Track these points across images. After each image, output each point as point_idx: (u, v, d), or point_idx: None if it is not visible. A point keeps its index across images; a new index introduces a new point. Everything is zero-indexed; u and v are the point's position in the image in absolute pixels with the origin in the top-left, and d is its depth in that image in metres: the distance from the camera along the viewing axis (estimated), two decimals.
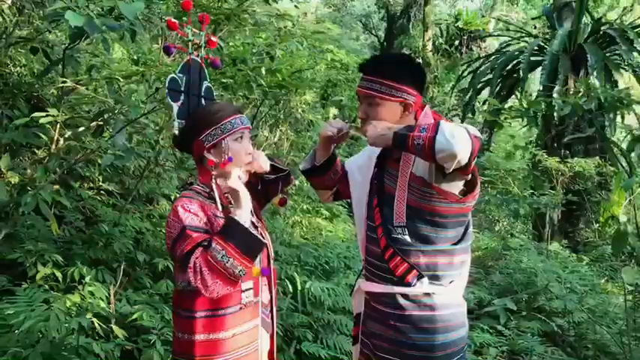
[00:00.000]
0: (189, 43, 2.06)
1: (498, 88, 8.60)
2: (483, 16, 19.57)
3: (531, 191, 7.21)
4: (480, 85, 8.79)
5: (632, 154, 2.99)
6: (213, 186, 1.93)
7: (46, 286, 3.37)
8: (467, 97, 8.89)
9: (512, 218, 7.66)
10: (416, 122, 2.02)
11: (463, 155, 1.72)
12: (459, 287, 2.02)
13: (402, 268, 1.95)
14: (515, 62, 8.71)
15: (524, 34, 9.34)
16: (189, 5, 2.07)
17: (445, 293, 1.97)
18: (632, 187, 3.09)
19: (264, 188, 2.16)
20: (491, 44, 18.09)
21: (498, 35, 11.57)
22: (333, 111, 9.44)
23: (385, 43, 18.63)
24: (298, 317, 3.96)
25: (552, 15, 8.81)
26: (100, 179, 4.83)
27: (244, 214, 1.83)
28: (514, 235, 6.55)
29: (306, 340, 3.77)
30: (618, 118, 7.84)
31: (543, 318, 4.18)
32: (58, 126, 3.57)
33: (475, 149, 1.76)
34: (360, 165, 2.25)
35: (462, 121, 9.07)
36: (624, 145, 8.10)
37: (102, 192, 4.81)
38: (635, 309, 3.24)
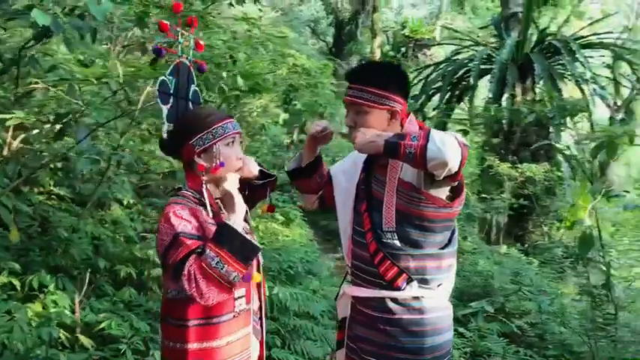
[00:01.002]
0: (179, 46, 2.02)
1: (448, 95, 8.81)
2: (429, 25, 20.00)
3: (481, 195, 7.41)
4: (431, 92, 8.98)
5: (595, 160, 3.13)
6: (204, 191, 1.90)
7: (5, 296, 3.24)
8: (418, 103, 9.05)
9: (464, 222, 7.85)
10: (401, 129, 2.05)
11: (454, 163, 1.76)
12: (447, 290, 2.07)
13: (391, 273, 1.97)
14: (464, 70, 8.95)
15: (473, 43, 9.59)
16: (180, 7, 2.03)
17: (433, 297, 2.01)
18: (594, 193, 3.24)
19: (252, 194, 2.15)
20: (437, 52, 18.53)
21: (446, 43, 11.82)
22: (284, 116, 9.45)
23: (334, 49, 18.76)
24: (267, 323, 3.94)
25: (500, 25, 9.08)
26: (52, 183, 4.67)
27: (238, 220, 1.81)
28: (467, 238, 6.70)
29: (275, 347, 3.75)
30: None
31: (502, 319, 4.30)
32: (11, 129, 3.44)
33: (464, 157, 1.81)
34: (344, 170, 2.26)
35: None
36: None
37: (53, 197, 4.65)
38: (595, 308, 3.38)
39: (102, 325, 3.11)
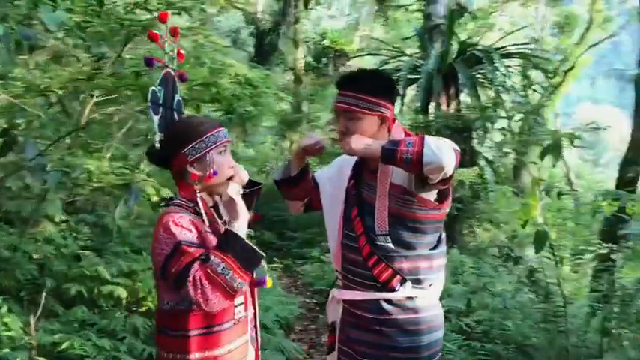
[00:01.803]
0: (166, 56, 2.01)
1: None
2: (348, 36, 20.40)
3: None
4: None
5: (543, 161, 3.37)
6: (198, 201, 1.90)
7: None
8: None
9: None
10: (389, 133, 2.13)
11: (449, 168, 1.87)
12: (438, 289, 2.16)
13: (386, 274, 2.04)
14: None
15: (399, 54, 9.91)
16: (166, 17, 2.03)
17: (426, 296, 2.10)
18: (539, 193, 3.47)
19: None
20: (357, 62, 18.90)
21: (374, 54, 12.12)
22: None
23: (256, 59, 18.75)
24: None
25: (424, 36, 9.44)
26: None
27: (241, 227, 1.82)
28: None
29: None
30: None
31: (449, 317, 4.47)
32: None
33: (458, 161, 1.92)
34: (330, 177, 2.33)
35: None
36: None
37: None
38: (544, 301, 3.60)
39: (64, 346, 3.00)
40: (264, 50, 18.55)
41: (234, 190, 1.87)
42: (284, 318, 5.19)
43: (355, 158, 2.24)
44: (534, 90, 9.29)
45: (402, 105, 8.56)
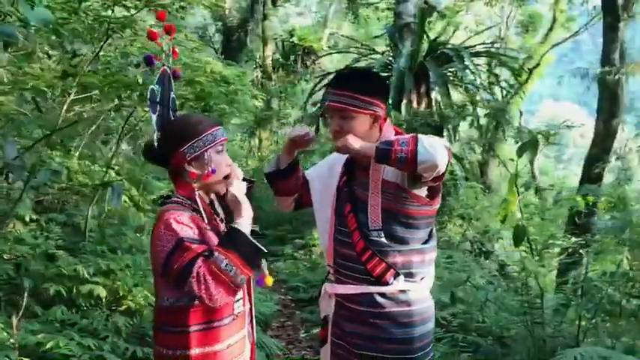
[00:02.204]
0: (163, 54, 2.02)
1: None
2: (316, 33, 20.44)
3: None
4: None
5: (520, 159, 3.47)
6: (197, 198, 1.92)
7: None
8: (321, 109, 9.27)
9: None
10: (380, 131, 2.18)
11: (443, 165, 1.93)
12: (429, 283, 2.22)
13: (380, 268, 2.10)
14: None
15: (370, 52, 10.00)
16: (164, 15, 2.03)
17: (418, 289, 2.16)
18: (517, 187, 3.57)
19: None
20: (325, 60, 18.96)
21: (345, 52, 12.18)
22: None
23: (223, 56, 18.63)
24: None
25: (394, 34, 9.54)
26: None
27: (245, 224, 1.84)
28: None
29: None
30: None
31: None
32: None
33: (449, 159, 1.98)
34: (320, 175, 2.37)
35: (317, 131, 9.47)
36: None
37: None
38: (521, 294, 3.70)
39: (48, 346, 2.96)
40: (232, 47, 18.44)
41: (239, 188, 1.89)
42: (262, 314, 5.21)
43: (346, 156, 2.28)
44: (502, 88, 9.48)
45: None
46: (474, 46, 9.35)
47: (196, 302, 1.81)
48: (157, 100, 1.94)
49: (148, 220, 7.07)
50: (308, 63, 19.01)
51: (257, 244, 1.83)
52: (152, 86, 1.93)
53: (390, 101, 8.67)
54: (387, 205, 2.10)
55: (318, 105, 9.52)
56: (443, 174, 2.01)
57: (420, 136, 1.96)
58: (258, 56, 17.22)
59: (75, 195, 6.65)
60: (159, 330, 1.90)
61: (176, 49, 2.11)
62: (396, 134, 2.19)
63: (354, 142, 2.07)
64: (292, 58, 18.74)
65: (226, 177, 1.98)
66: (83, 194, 6.60)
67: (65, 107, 3.87)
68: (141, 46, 5.13)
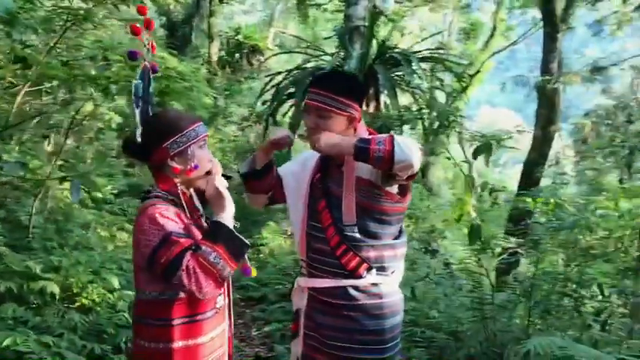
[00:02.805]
0: (145, 48, 2.03)
1: (302, 101, 9.15)
2: (262, 31, 20.41)
3: None
4: (284, 98, 9.27)
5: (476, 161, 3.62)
6: (179, 193, 1.94)
7: None
8: (271, 108, 9.29)
9: None
10: (354, 132, 2.26)
11: (417, 165, 2.03)
12: (399, 276, 2.32)
13: (354, 262, 2.17)
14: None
15: (322, 53, 10.07)
16: (145, 10, 2.04)
17: (389, 283, 2.25)
18: (473, 188, 3.73)
19: None
20: (270, 58, 18.96)
21: (296, 52, 12.22)
22: (117, 119, 9.16)
23: (168, 52, 18.32)
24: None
25: (344, 37, 9.65)
26: None
27: (229, 218, 1.88)
28: None
29: None
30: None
31: None
32: None
33: (421, 159, 2.09)
34: (293, 171, 2.43)
35: (265, 130, 9.48)
36: None
37: None
38: (473, 290, 3.87)
39: (5, 343, 2.89)
40: (177, 43, 18.19)
41: (222, 183, 1.92)
42: None
43: (318, 153, 2.34)
44: (448, 93, 9.74)
45: None
46: (421, 51, 9.58)
47: (181, 295, 1.84)
48: (140, 94, 1.95)
49: (94, 218, 6.94)
50: (253, 61, 18.98)
51: (241, 237, 1.88)
52: (135, 81, 1.94)
53: None
54: (361, 201, 2.18)
55: (268, 104, 9.53)
56: (415, 173, 2.10)
57: (395, 136, 2.05)
58: (203, 53, 17.04)
59: (14, 190, 6.45)
60: (139, 323, 1.92)
61: (154, 44, 2.13)
62: (370, 135, 2.28)
63: (328, 141, 2.13)
64: (238, 56, 18.67)
65: (207, 172, 2.01)
66: (24, 189, 6.41)
67: (18, 100, 3.76)
68: (95, 39, 5.05)
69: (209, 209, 2.11)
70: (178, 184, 1.95)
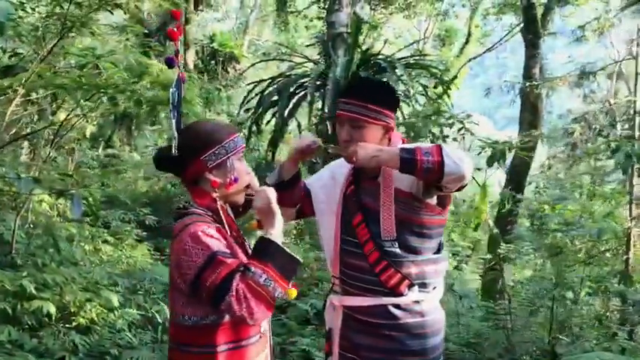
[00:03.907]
0: (178, 55, 1.90)
1: (286, 109, 9.06)
2: (237, 39, 20.26)
3: None
4: (268, 106, 9.17)
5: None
6: (219, 209, 1.82)
7: None
8: (255, 116, 9.17)
9: None
10: (389, 142, 2.16)
11: (469, 177, 1.93)
12: (440, 292, 2.22)
13: (394, 280, 2.07)
14: (296, 86, 9.27)
15: (305, 60, 10.00)
16: (179, 14, 1.92)
17: (430, 300, 2.15)
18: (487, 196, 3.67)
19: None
20: (244, 66, 18.81)
21: (273, 59, 12.13)
22: (91, 129, 8.93)
23: None
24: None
25: (328, 44, 9.59)
26: None
27: (278, 234, 1.75)
28: None
29: None
30: None
31: None
32: None
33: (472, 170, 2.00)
34: (323, 184, 2.32)
35: (248, 139, 9.34)
36: None
37: None
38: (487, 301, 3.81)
39: None
40: (152, 51, 17.91)
41: (272, 197, 1.80)
42: None
43: (348, 164, 2.23)
44: (431, 99, 9.74)
45: (311, 112, 8.63)
46: (407, 57, 9.57)
47: (224, 320, 1.72)
48: (176, 104, 1.83)
49: (76, 232, 6.70)
50: (229, 69, 18.80)
51: (293, 254, 1.75)
52: (172, 89, 1.81)
53: (326, 110, 8.71)
54: (400, 214, 2.08)
55: (252, 112, 9.41)
56: (465, 185, 2.02)
57: (443, 146, 1.96)
58: (179, 61, 16.79)
59: None
60: (178, 350, 1.78)
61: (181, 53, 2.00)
62: (402, 143, 2.19)
63: (365, 152, 2.02)
64: (213, 63, 18.47)
65: (247, 186, 1.89)
66: (2, 203, 6.16)
67: (12, 107, 3.58)
68: (82, 47, 4.87)
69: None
70: (217, 199, 1.82)
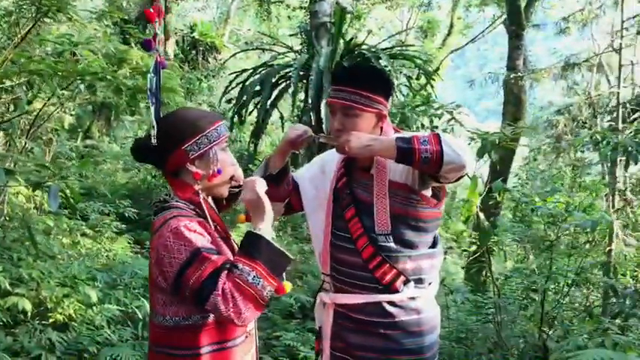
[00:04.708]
0: (157, 40, 1.78)
1: (268, 100, 8.92)
2: (218, 29, 20.01)
3: None
4: (251, 96, 9.01)
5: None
6: (202, 202, 1.71)
7: None
8: (237, 107, 9.02)
9: None
10: (381, 131, 2.07)
11: (469, 166, 1.84)
12: (436, 288, 2.13)
13: (389, 276, 1.98)
14: (279, 76, 9.13)
15: (287, 50, 9.84)
16: None
17: (426, 296, 2.06)
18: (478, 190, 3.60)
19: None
20: (226, 56, 18.60)
21: (256, 49, 11.96)
22: (69, 119, 8.73)
23: None
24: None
25: (311, 34, 9.46)
26: None
27: (268, 229, 1.65)
28: None
29: None
30: None
31: None
32: None
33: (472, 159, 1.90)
34: (312, 176, 2.22)
35: (230, 130, 9.19)
36: None
37: None
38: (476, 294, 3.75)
39: None
40: (128, 40, 17.61)
41: (261, 189, 1.69)
42: None
43: (339, 155, 2.14)
44: (415, 90, 9.67)
45: (295, 102, 8.51)
46: (391, 47, 9.48)
47: (208, 320, 1.61)
48: (154, 90, 1.71)
49: (53, 224, 6.54)
50: (210, 59, 18.57)
51: (283, 250, 1.65)
52: (150, 75, 1.69)
53: (310, 101, 8.60)
54: (395, 207, 1.99)
55: (234, 102, 9.26)
56: (464, 175, 1.93)
57: (441, 134, 1.87)
58: (160, 50, 16.55)
59: None
60: (159, 353, 1.67)
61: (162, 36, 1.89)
62: (396, 133, 2.09)
63: (358, 142, 1.92)
64: (194, 53, 18.23)
65: (231, 178, 1.79)
66: None
67: None
68: (58, 35, 4.70)
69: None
70: (200, 192, 1.71)
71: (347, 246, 2.04)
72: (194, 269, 1.54)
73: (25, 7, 3.42)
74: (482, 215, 3.53)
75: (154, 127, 1.68)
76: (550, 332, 3.31)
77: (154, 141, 1.68)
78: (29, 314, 3.53)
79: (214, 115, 1.80)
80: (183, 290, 1.56)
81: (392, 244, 1.98)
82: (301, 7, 13.46)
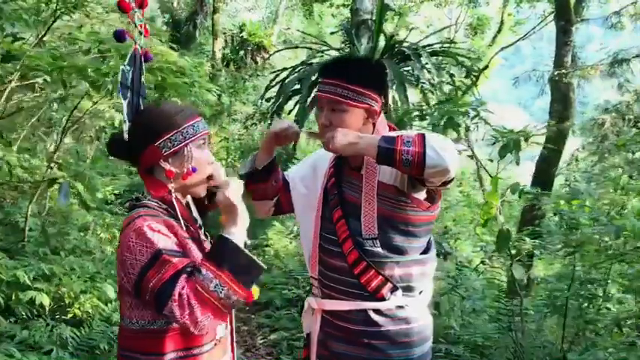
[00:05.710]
0: (137, 30, 1.73)
1: (307, 98, 8.85)
2: (267, 28, 20.11)
3: None
4: (289, 94, 8.97)
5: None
6: (174, 202, 1.64)
7: None
8: (275, 106, 8.99)
9: None
10: (374, 128, 1.96)
11: (454, 170, 1.72)
12: (428, 297, 2.02)
13: (375, 282, 1.87)
14: (318, 74, 9.05)
15: (327, 48, 9.76)
16: None
17: (416, 304, 1.95)
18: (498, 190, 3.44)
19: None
20: (274, 56, 18.67)
21: (295, 47, 11.92)
22: (120, 117, 8.82)
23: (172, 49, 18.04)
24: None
25: (351, 32, 9.34)
26: None
27: (240, 234, 1.57)
28: None
29: None
30: None
31: None
32: None
33: (458, 162, 1.78)
34: (303, 176, 2.13)
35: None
36: None
37: None
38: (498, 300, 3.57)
39: None
40: (181, 40, 17.91)
41: (236, 191, 1.61)
42: None
43: (331, 154, 2.04)
44: (458, 88, 9.43)
45: None
46: (432, 45, 9.25)
47: (174, 325, 1.55)
48: (128, 83, 1.66)
49: (95, 219, 6.67)
50: (258, 59, 18.68)
51: (254, 258, 1.56)
52: (122, 66, 1.64)
53: None
54: (383, 210, 1.88)
55: (272, 101, 9.23)
56: (452, 179, 1.80)
57: (427, 135, 1.75)
58: (207, 50, 16.79)
59: (13, 191, 6.20)
60: (124, 357, 1.62)
61: (147, 27, 1.83)
62: (390, 131, 1.98)
63: (344, 139, 1.81)
64: (242, 53, 18.39)
65: (208, 177, 1.72)
66: (22, 190, 6.14)
67: (5, 95, 3.48)
68: (90, 32, 4.75)
69: (215, 222, 1.81)
70: (173, 191, 1.65)
71: (334, 249, 1.94)
72: (154, 272, 1.47)
73: (44, 5, 3.45)
74: (501, 218, 3.37)
75: (124, 121, 1.63)
76: (572, 344, 3.12)
77: (125, 136, 1.63)
78: (47, 309, 3.57)
79: (192, 110, 1.72)
80: (144, 293, 1.50)
81: (379, 249, 1.87)
82: (344, 5, 13.35)
